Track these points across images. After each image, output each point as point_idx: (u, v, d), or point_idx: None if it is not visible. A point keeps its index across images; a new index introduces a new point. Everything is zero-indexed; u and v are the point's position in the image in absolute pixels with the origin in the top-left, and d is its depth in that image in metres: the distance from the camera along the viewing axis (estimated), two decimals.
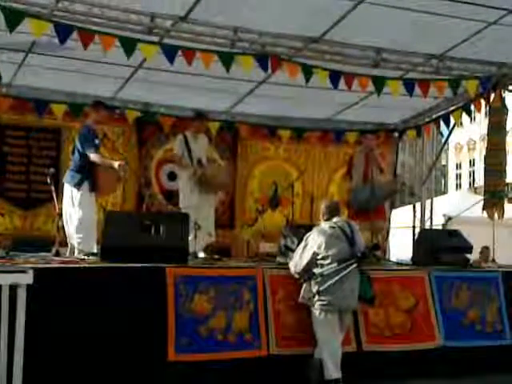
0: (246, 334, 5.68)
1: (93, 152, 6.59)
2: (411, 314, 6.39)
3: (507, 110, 8.55)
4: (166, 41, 6.89)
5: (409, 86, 7.82)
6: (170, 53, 6.68)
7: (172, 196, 8.71)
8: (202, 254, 7.29)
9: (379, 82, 7.66)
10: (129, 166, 7.50)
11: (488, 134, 8.66)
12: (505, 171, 8.52)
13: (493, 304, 6.80)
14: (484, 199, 8.68)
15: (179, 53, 6.73)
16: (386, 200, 8.38)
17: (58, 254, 6.34)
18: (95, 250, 6.41)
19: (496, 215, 8.48)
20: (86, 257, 6.26)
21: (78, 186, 6.58)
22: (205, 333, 5.50)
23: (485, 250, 10.02)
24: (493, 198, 8.42)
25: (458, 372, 6.19)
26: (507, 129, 8.64)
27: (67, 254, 6.59)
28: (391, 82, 7.77)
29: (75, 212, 6.55)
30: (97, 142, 6.72)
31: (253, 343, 5.69)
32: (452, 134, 11.04)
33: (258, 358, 5.67)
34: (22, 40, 6.77)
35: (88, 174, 6.57)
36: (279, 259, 6.85)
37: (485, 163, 8.70)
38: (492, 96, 8.43)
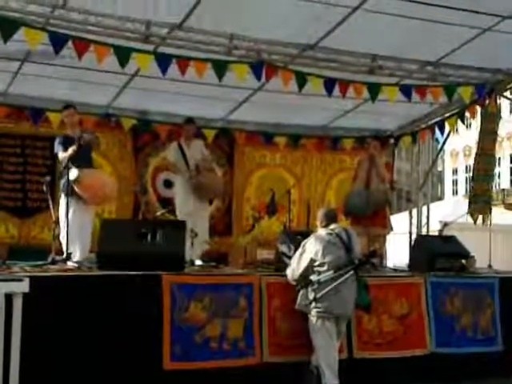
0: (240, 342, 5.67)
1: (57, 154, 6.63)
2: (404, 321, 6.40)
3: (500, 117, 8.59)
4: (162, 49, 6.90)
5: (405, 91, 7.84)
6: (163, 63, 6.68)
7: (168, 204, 8.70)
8: (198, 262, 7.28)
9: (374, 89, 7.68)
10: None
11: (479, 140, 8.69)
12: (493, 176, 8.55)
13: (487, 310, 6.82)
14: (470, 203, 8.70)
15: (173, 61, 6.74)
16: (380, 207, 8.31)
17: (54, 262, 6.32)
18: (75, 258, 6.32)
19: (481, 220, 8.50)
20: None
21: (60, 192, 6.63)
22: (199, 341, 5.48)
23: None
24: (480, 203, 8.44)
25: (449, 378, 6.19)
26: (502, 135, 8.68)
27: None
28: (386, 89, 7.79)
29: (61, 218, 6.57)
30: (61, 146, 6.64)
31: (246, 351, 5.68)
32: (448, 141, 11.07)
33: (252, 366, 5.67)
34: (17, 48, 6.77)
35: (66, 180, 6.55)
36: (276, 266, 6.83)
37: (474, 168, 8.72)
38: (487, 102, 8.47)
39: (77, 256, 6.39)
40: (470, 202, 8.72)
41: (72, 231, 6.42)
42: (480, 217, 8.52)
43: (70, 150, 6.45)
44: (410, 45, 7.24)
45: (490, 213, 8.53)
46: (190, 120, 8.05)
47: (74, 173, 6.36)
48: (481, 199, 8.45)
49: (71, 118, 6.89)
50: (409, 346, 6.34)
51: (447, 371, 6.28)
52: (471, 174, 8.92)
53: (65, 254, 6.25)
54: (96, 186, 6.68)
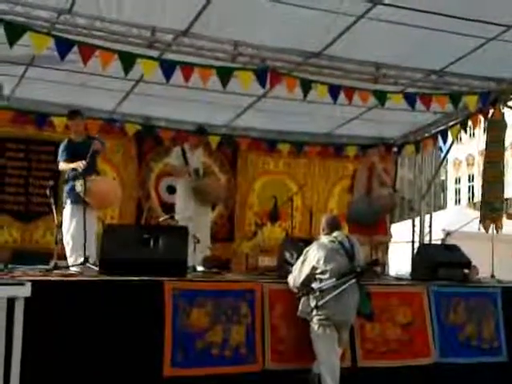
0: (242, 349, 5.63)
1: (59, 162, 6.72)
2: (408, 330, 6.36)
3: (506, 124, 8.58)
4: (167, 55, 6.92)
5: (410, 99, 7.85)
6: (168, 69, 6.70)
7: (171, 209, 8.73)
8: (200, 268, 7.27)
9: (382, 95, 7.68)
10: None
11: (486, 148, 8.68)
12: (503, 184, 8.51)
13: (490, 320, 6.78)
14: (481, 212, 8.68)
15: (178, 67, 6.76)
16: (385, 214, 8.34)
17: (56, 266, 6.31)
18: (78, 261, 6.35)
19: (493, 229, 8.46)
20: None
21: (65, 198, 6.69)
22: (201, 347, 5.45)
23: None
24: (491, 212, 8.41)
25: None
26: (506, 144, 8.67)
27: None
28: (393, 96, 7.79)
29: (64, 224, 6.59)
30: (65, 153, 6.73)
31: (248, 358, 5.64)
32: (451, 150, 11.08)
33: (253, 373, 5.63)
34: (23, 53, 6.79)
35: (72, 187, 6.57)
36: (278, 273, 6.82)
37: (483, 176, 8.71)
38: (491, 111, 8.47)
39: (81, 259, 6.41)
40: (481, 212, 8.68)
41: (79, 238, 6.43)
42: (492, 225, 8.46)
43: (78, 166, 6.45)
44: (414, 53, 7.24)
45: (501, 220, 8.46)
46: (205, 131, 8.16)
47: (83, 183, 6.37)
48: (491, 206, 8.41)
49: (76, 126, 6.98)
50: (413, 355, 6.30)
51: (451, 381, 6.24)
52: (480, 184, 8.89)
53: (82, 258, 6.25)
54: (106, 194, 6.75)
